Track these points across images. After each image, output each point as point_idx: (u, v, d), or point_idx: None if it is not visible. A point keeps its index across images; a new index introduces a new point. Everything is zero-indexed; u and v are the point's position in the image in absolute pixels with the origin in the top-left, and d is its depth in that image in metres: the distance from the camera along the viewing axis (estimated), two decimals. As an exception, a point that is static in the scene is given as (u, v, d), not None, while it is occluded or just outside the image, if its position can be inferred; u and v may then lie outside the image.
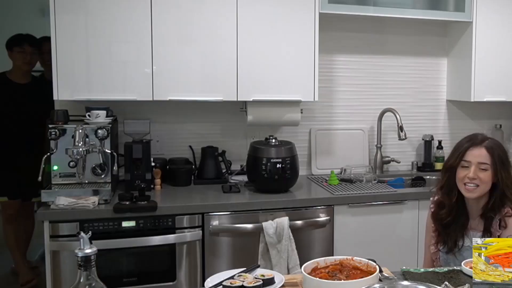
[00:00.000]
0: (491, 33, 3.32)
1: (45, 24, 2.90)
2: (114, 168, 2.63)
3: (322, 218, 2.75)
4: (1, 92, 3.65)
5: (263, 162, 2.79)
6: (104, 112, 2.68)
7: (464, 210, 2.05)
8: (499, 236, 1.94)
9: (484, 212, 2.00)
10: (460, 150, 2.02)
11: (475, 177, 1.95)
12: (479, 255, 1.57)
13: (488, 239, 1.60)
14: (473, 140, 2.03)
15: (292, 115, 3.08)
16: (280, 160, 2.78)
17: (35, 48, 3.69)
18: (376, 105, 3.47)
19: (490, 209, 1.98)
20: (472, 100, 3.34)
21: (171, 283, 2.56)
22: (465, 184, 1.98)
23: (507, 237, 1.88)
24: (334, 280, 1.50)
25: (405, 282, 1.48)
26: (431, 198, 2.19)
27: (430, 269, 1.71)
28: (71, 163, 2.55)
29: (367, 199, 2.85)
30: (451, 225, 2.03)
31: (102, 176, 2.65)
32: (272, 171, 2.78)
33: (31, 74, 3.76)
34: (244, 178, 3.03)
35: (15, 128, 3.60)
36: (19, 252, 3.77)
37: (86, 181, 2.63)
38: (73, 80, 2.67)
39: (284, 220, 2.62)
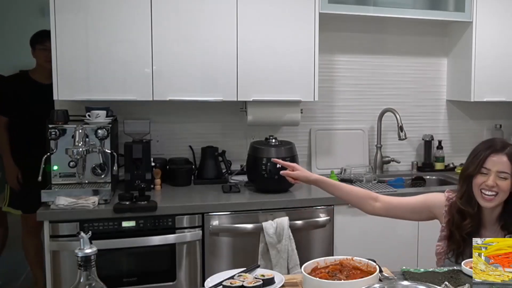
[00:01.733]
0: (491, 33, 3.32)
1: (45, 24, 2.91)
2: (114, 168, 2.63)
3: (322, 218, 2.75)
4: (22, 91, 3.45)
5: (263, 162, 2.79)
6: (104, 112, 2.68)
7: (481, 222, 1.95)
8: None
9: (505, 224, 1.89)
10: (480, 158, 1.89)
11: (494, 185, 1.85)
12: (479, 255, 1.56)
13: (488, 239, 1.60)
14: (494, 147, 1.90)
15: (292, 115, 3.08)
16: (280, 160, 2.77)
17: None
18: (376, 105, 3.47)
19: (508, 219, 1.89)
20: (472, 100, 3.34)
21: (171, 283, 2.56)
22: (481, 191, 1.87)
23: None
24: (334, 280, 1.50)
25: (405, 282, 1.48)
26: (446, 194, 2.04)
27: (430, 269, 1.71)
28: (71, 163, 2.55)
29: (367, 199, 2.85)
30: (471, 236, 1.90)
31: (102, 176, 2.65)
32: (272, 171, 2.78)
33: None
34: (244, 178, 3.03)
35: (37, 131, 3.31)
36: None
37: (86, 181, 2.63)
38: (73, 80, 2.68)
39: (284, 220, 2.62)
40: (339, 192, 2.12)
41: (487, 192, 1.86)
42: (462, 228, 1.91)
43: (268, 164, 2.78)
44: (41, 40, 3.40)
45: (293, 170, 2.08)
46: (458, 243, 1.92)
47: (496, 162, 1.86)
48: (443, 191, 2.08)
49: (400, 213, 2.11)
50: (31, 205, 3.30)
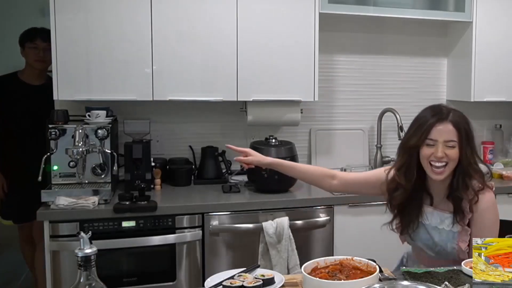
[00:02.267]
0: (491, 33, 3.32)
1: (45, 24, 2.91)
2: (114, 168, 2.63)
3: (322, 218, 2.75)
4: (11, 94, 3.22)
5: (263, 162, 2.78)
6: (104, 112, 2.68)
7: (423, 191, 1.87)
8: (470, 218, 1.81)
9: (450, 193, 1.83)
10: (424, 128, 1.78)
11: (443, 155, 1.75)
12: (479, 255, 1.56)
13: (488, 239, 1.60)
14: (437, 115, 1.80)
15: (292, 115, 3.08)
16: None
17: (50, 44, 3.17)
18: (376, 105, 3.47)
19: (456, 189, 1.81)
20: (472, 100, 3.34)
21: (171, 283, 2.56)
22: (430, 164, 1.78)
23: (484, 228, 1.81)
24: (334, 280, 1.50)
25: (405, 282, 1.48)
26: (385, 168, 1.99)
27: (430, 269, 1.71)
28: (71, 163, 2.55)
29: (367, 199, 2.85)
30: (405, 209, 1.87)
31: (102, 176, 2.65)
32: (272, 171, 2.77)
33: (47, 75, 3.24)
34: (244, 178, 3.03)
35: (26, 135, 3.17)
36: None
37: (86, 181, 2.63)
38: (73, 80, 2.67)
39: (284, 220, 2.62)
40: (296, 172, 2.10)
41: (436, 164, 1.77)
42: (394, 198, 1.87)
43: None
44: (31, 38, 3.22)
45: (246, 156, 2.05)
46: (394, 214, 1.90)
47: (442, 131, 1.77)
48: None
49: (357, 189, 2.08)
50: (21, 215, 3.26)
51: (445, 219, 1.87)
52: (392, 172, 1.90)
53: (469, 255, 1.78)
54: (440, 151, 1.76)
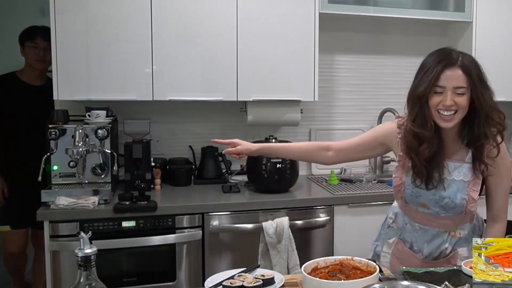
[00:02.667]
0: (491, 33, 3.32)
1: (45, 24, 2.91)
2: (114, 168, 2.63)
3: (322, 218, 2.75)
4: (9, 94, 3.12)
5: (263, 162, 2.78)
6: (104, 112, 2.68)
7: (441, 140, 1.79)
8: (490, 165, 1.76)
9: (471, 141, 1.76)
10: (432, 75, 1.68)
11: (452, 104, 1.67)
12: (479, 255, 1.56)
13: (488, 239, 1.60)
14: (446, 60, 1.69)
15: (292, 115, 3.08)
16: (280, 160, 2.78)
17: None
18: (376, 105, 3.47)
19: (478, 136, 1.73)
20: (472, 100, 3.34)
21: (171, 283, 2.56)
22: (439, 112, 1.70)
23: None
24: (334, 280, 1.50)
25: (405, 282, 1.48)
26: (396, 120, 1.89)
27: (430, 269, 1.71)
28: (71, 163, 2.55)
29: (367, 199, 2.85)
30: (433, 160, 1.77)
31: (102, 176, 2.65)
32: (272, 171, 2.78)
33: (47, 75, 3.18)
34: (244, 178, 3.03)
35: (26, 136, 3.10)
36: None
37: (86, 181, 2.63)
38: (73, 80, 2.67)
39: (284, 220, 2.62)
40: (288, 152, 2.05)
41: (445, 113, 1.69)
42: (421, 153, 1.75)
43: (268, 164, 2.78)
44: (31, 37, 3.13)
45: (234, 146, 1.99)
46: (420, 170, 1.77)
47: (451, 77, 1.67)
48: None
49: (354, 154, 1.98)
50: (20, 219, 3.15)
51: (462, 169, 1.79)
52: (409, 126, 1.77)
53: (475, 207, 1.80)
54: (449, 99, 1.67)
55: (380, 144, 1.92)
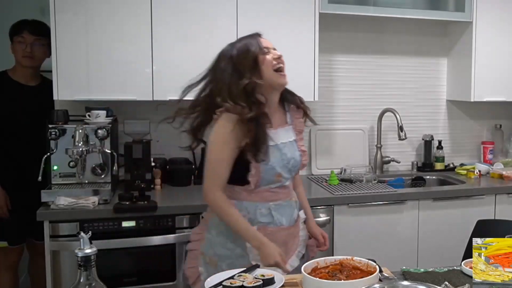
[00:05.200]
0: (491, 33, 3.32)
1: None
2: (114, 168, 2.63)
3: (322, 218, 2.75)
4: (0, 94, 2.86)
5: (263, 162, 2.78)
6: (104, 112, 2.68)
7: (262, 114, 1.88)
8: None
9: (286, 99, 2.07)
10: (250, 54, 1.93)
11: (280, 54, 1.96)
12: (479, 255, 1.57)
13: (488, 239, 1.60)
14: (252, 37, 2.01)
15: (292, 115, 3.07)
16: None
17: (43, 38, 2.81)
18: (376, 105, 3.47)
19: (290, 92, 2.10)
20: (472, 100, 3.35)
21: (171, 283, 2.56)
22: (277, 71, 1.93)
23: None
24: (334, 280, 1.50)
25: (405, 282, 1.48)
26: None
27: (430, 269, 1.71)
28: (71, 163, 2.55)
29: (367, 199, 2.85)
30: (259, 139, 1.84)
31: (102, 176, 2.65)
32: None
33: (41, 75, 2.99)
34: (244, 178, 3.02)
35: (22, 137, 2.86)
36: None
37: (86, 181, 2.63)
38: (73, 80, 2.67)
39: (284, 220, 2.61)
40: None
41: (280, 65, 1.94)
42: (249, 132, 1.82)
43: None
44: (18, 31, 2.82)
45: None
46: (253, 146, 1.83)
47: (265, 42, 2.00)
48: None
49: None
50: (18, 236, 2.91)
51: (288, 131, 2.00)
52: (230, 116, 1.84)
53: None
54: (276, 52, 1.97)
55: (238, 144, 1.87)
